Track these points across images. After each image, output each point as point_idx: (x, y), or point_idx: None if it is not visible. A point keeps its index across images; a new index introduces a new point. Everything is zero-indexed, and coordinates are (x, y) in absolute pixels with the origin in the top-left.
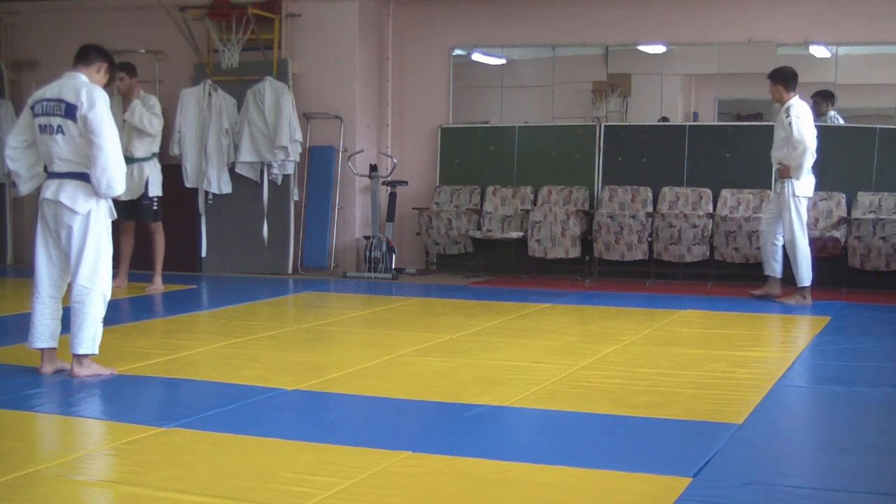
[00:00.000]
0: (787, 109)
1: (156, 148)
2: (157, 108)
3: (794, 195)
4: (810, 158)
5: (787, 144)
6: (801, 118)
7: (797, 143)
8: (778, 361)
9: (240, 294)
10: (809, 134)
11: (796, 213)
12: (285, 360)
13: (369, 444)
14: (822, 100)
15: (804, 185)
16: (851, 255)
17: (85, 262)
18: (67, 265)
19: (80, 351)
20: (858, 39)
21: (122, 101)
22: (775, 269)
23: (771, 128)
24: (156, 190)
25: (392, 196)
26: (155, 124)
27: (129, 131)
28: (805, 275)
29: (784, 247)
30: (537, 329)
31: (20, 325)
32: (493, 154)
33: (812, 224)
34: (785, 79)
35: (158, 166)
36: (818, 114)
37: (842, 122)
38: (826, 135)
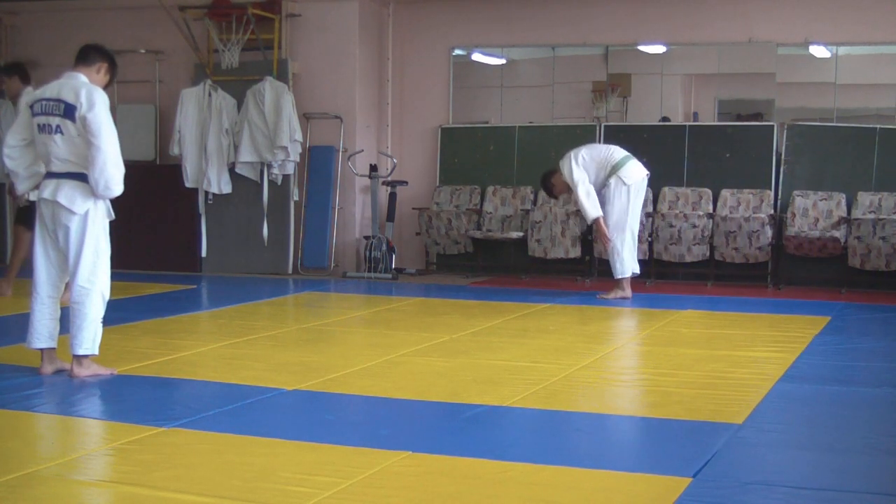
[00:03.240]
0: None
1: None
2: None
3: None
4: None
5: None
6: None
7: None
8: (778, 361)
9: (240, 294)
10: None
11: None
12: (285, 360)
13: (369, 444)
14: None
15: (629, 172)
16: (851, 255)
17: (83, 262)
18: (66, 265)
19: (80, 351)
20: (858, 39)
21: (12, 107)
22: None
23: (771, 128)
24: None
25: (392, 196)
26: None
27: None
28: (628, 267)
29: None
30: (537, 329)
31: (20, 325)
32: (493, 154)
33: (812, 224)
34: None
35: None
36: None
37: None
38: (826, 135)
